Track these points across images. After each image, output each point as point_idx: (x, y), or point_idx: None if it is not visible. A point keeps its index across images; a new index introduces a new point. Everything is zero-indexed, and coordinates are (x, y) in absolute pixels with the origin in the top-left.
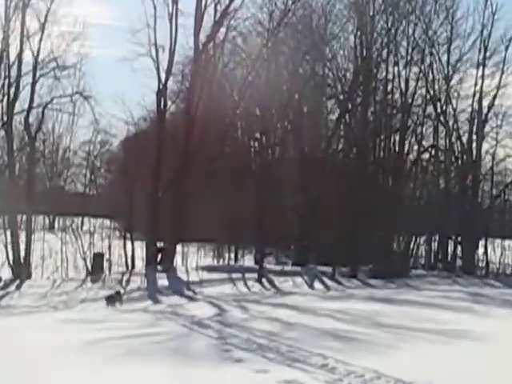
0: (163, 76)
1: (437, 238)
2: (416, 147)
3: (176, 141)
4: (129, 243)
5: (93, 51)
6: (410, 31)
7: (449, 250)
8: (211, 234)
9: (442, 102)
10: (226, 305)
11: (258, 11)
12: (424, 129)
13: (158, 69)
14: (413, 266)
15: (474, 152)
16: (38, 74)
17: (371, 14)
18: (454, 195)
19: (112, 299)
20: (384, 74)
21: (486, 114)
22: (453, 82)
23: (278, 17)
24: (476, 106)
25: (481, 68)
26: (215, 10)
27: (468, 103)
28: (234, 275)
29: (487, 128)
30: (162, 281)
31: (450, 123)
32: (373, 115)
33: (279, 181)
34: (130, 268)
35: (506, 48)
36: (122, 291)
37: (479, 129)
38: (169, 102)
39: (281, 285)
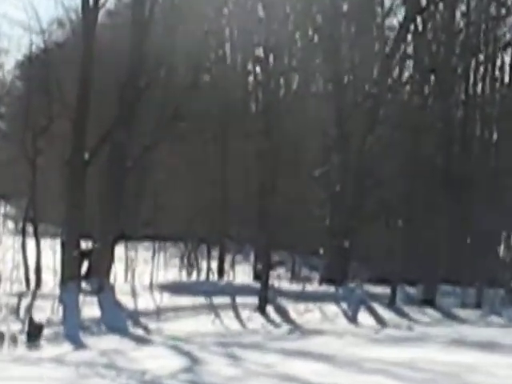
0: None
1: None
2: None
3: (116, 63)
4: (31, 243)
5: None
6: None
7: None
8: (177, 226)
9: None
10: (202, 352)
11: None
12: None
13: None
14: None
15: None
16: None
17: None
18: None
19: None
20: None
21: None
22: None
23: None
24: None
25: None
26: None
27: None
28: (218, 300)
29: None
30: (91, 309)
31: None
32: (464, 19)
33: (298, 134)
34: (33, 286)
35: None
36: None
37: None
38: None
39: (300, 317)
